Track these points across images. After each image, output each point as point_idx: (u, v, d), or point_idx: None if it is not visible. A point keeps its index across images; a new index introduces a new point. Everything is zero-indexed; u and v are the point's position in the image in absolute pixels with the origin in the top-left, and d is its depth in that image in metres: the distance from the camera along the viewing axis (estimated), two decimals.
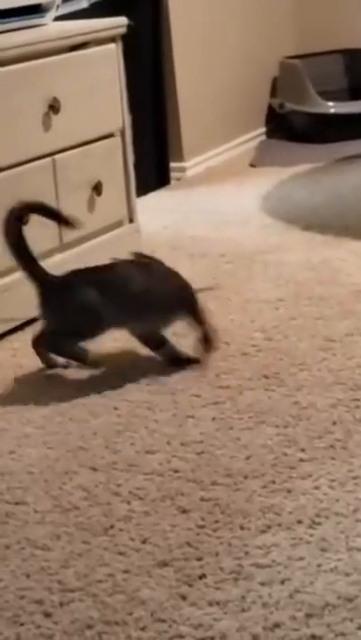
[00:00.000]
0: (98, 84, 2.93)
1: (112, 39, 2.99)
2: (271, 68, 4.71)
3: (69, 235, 2.84)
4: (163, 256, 3.15)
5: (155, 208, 3.75)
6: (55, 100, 2.77)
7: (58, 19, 3.13)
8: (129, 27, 3.05)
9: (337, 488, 1.85)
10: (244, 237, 3.34)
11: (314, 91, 4.57)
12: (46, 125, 2.76)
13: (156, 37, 3.99)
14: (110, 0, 3.78)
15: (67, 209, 2.81)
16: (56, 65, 2.80)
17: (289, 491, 1.86)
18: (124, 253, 2.93)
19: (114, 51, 2.99)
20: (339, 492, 1.84)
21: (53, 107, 2.76)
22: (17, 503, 1.89)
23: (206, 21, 4.27)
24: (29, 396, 2.33)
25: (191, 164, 4.22)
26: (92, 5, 3.73)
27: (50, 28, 2.92)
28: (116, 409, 2.23)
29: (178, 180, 4.16)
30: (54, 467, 2.01)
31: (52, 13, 2.99)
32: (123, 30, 3.01)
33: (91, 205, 2.93)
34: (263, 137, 4.69)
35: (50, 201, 2.78)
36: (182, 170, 4.18)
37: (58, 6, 3.01)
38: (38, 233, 2.73)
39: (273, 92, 4.75)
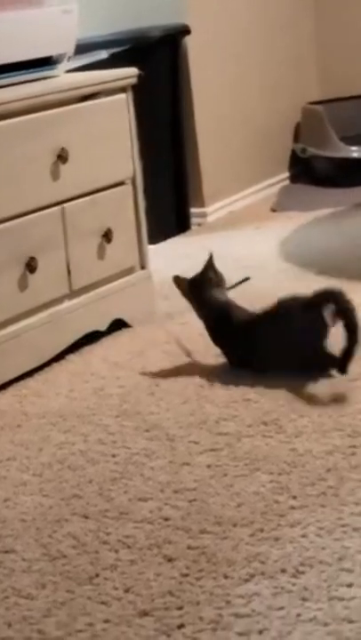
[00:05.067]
0: (107, 134, 2.97)
1: (122, 89, 3.03)
2: (294, 113, 4.74)
3: (79, 281, 2.88)
4: (177, 301, 3.19)
5: (173, 254, 3.78)
6: (63, 150, 2.80)
7: (78, 70, 3.19)
8: (140, 76, 3.09)
9: (324, 536, 1.85)
10: (259, 282, 3.35)
11: (336, 136, 4.59)
12: (55, 175, 2.80)
13: (175, 83, 4.03)
14: (130, 50, 3.85)
15: (76, 256, 2.86)
16: (64, 115, 2.84)
17: (276, 539, 1.86)
18: (134, 300, 2.98)
19: (124, 100, 3.02)
20: (326, 540, 1.83)
21: (61, 156, 2.80)
22: (6, 551, 1.91)
23: (227, 67, 4.32)
24: (31, 444, 2.35)
25: (212, 210, 4.25)
26: (112, 56, 3.79)
27: (60, 80, 2.96)
28: (113, 456, 2.25)
29: (199, 225, 4.18)
30: (47, 515, 2.03)
31: (64, 65, 3.04)
32: (133, 80, 3.05)
33: (101, 253, 2.96)
34: (286, 182, 4.71)
35: (59, 249, 2.82)
36: (203, 215, 4.21)
37: (69, 58, 3.06)
38: (47, 279, 2.78)
39: (296, 138, 4.77)
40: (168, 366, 2.72)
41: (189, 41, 4.05)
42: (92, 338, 2.92)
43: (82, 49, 3.34)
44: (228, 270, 3.47)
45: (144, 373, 2.69)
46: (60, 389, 2.64)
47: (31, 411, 2.53)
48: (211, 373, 2.63)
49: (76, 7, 3.00)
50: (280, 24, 4.67)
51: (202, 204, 4.21)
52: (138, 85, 3.07)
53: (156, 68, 3.86)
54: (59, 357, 2.83)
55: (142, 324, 3.05)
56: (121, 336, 2.99)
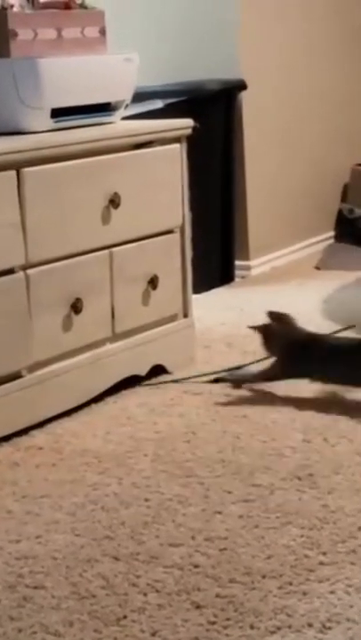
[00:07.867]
0: (159, 182, 3.01)
1: (176, 139, 3.07)
2: (343, 173, 4.78)
3: (122, 325, 2.91)
4: (216, 352, 3.22)
5: (216, 304, 3.81)
6: (116, 194, 2.85)
7: (133, 118, 3.24)
8: (195, 128, 3.13)
9: (353, 594, 1.85)
10: None
11: None
12: (105, 219, 2.84)
13: (228, 138, 4.09)
14: (185, 101, 3.91)
15: (121, 300, 2.90)
16: (118, 161, 2.88)
17: (304, 593, 1.86)
18: (175, 347, 3.01)
19: (177, 150, 3.07)
20: (354, 598, 1.84)
21: (113, 201, 2.85)
22: (36, 587, 1.92)
23: (279, 124, 4.37)
24: (65, 483, 2.37)
25: (257, 263, 4.28)
26: (168, 106, 3.85)
27: (116, 127, 3.01)
28: (146, 500, 2.26)
29: (242, 277, 4.22)
30: (78, 554, 2.04)
31: (121, 112, 3.09)
32: (188, 131, 3.09)
33: (145, 298, 2.99)
34: (331, 240, 4.74)
35: (105, 292, 2.86)
36: (247, 268, 4.24)
37: (127, 105, 3.11)
38: (91, 321, 2.81)
39: (343, 198, 4.81)
40: (205, 415, 2.74)
41: (245, 96, 4.11)
42: (130, 382, 2.95)
43: (137, 97, 3.39)
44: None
45: (181, 421, 2.71)
46: (97, 431, 2.66)
47: (67, 450, 2.55)
48: (247, 425, 2.65)
49: (137, 56, 3.06)
50: (333, 86, 4.72)
51: (247, 257, 4.24)
52: (191, 137, 3.12)
53: (210, 121, 3.90)
54: (97, 399, 2.85)
55: (182, 371, 3.07)
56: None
